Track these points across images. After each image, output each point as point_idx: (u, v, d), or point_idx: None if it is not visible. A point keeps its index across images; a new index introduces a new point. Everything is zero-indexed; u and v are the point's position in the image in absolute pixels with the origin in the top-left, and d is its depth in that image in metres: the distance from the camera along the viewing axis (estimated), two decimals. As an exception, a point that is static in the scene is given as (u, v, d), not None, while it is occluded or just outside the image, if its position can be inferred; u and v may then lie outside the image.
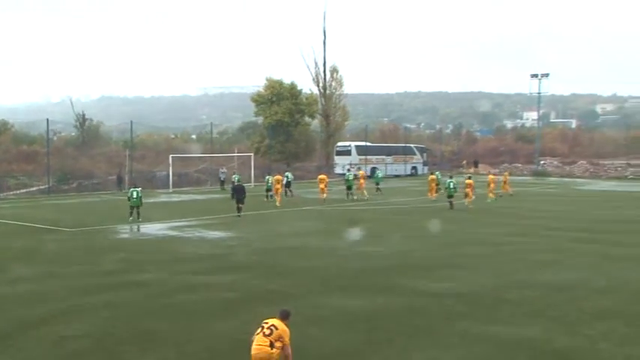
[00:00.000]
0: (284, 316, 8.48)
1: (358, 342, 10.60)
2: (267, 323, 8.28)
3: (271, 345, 8.04)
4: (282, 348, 8.14)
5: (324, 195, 37.31)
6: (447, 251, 19.65)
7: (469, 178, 34.84)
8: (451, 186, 32.87)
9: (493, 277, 15.69)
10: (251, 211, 30.65)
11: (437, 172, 41.05)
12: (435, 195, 36.96)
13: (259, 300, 13.30)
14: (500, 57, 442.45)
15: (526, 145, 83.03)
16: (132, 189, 28.52)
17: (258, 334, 8.17)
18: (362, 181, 39.69)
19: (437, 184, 37.86)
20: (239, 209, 29.58)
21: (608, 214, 30.44)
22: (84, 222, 27.36)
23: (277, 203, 34.48)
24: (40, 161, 48.82)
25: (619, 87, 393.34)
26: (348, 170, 45.30)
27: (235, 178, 39.74)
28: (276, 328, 8.17)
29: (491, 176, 39.01)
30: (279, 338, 8.11)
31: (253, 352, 8.07)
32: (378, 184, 43.00)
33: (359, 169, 47.43)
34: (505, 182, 41.40)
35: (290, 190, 39.95)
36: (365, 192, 38.86)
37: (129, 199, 27.94)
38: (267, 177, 38.92)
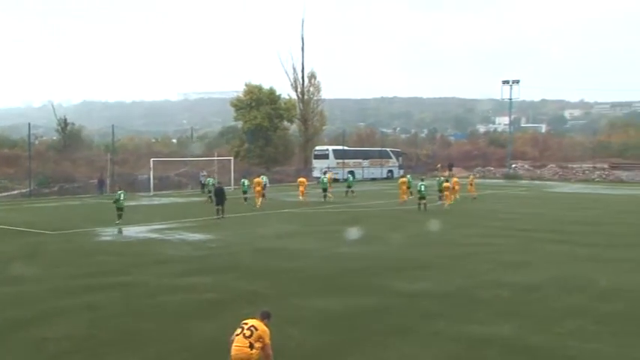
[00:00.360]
0: (264, 317, 8.41)
1: (336, 341, 10.64)
2: (246, 324, 8.20)
3: (251, 346, 7.99)
4: (263, 348, 8.08)
5: (303, 197, 37.91)
6: (422, 252, 19.76)
7: (446, 180, 35.17)
8: (422, 188, 33.20)
9: (466, 277, 15.81)
10: (231, 213, 30.55)
11: (408, 176, 41.55)
12: (406, 198, 37.13)
13: (239, 301, 13.28)
14: (473, 64, 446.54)
15: (498, 149, 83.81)
16: (119, 191, 28.50)
17: (238, 334, 8.09)
18: (301, 187, 39.99)
19: (408, 187, 38.06)
20: (218, 211, 29.60)
21: (576, 216, 30.85)
22: (65, 225, 27.07)
23: (257, 205, 34.74)
24: (21, 165, 48.18)
25: (586, 93, 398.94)
26: (324, 173, 45.68)
27: (209, 181, 39.57)
28: (256, 329, 8.11)
29: (455, 179, 39.25)
30: (259, 339, 8.06)
31: (233, 352, 8.00)
32: (349, 187, 43.44)
33: (325, 172, 47.79)
34: (471, 185, 41.64)
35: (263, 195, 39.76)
36: (330, 195, 39.24)
37: (116, 202, 27.74)
38: (243, 180, 39.27)
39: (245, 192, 37.57)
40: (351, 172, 63.77)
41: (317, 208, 35.13)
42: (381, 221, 28.82)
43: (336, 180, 52.84)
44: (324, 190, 39.48)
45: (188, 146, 63.59)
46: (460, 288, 14.55)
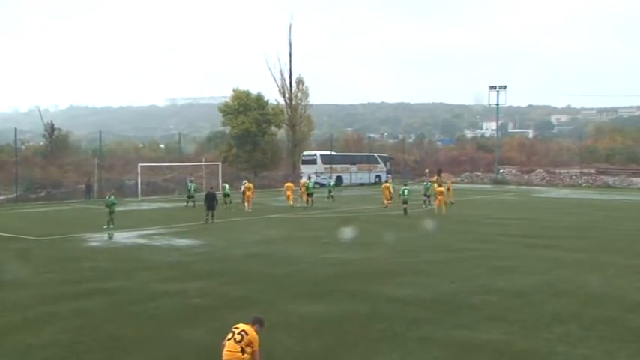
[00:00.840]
0: (255, 322, 8.36)
1: (324, 347, 10.62)
2: (237, 328, 8.21)
3: (242, 351, 8.00)
4: (252, 354, 8.08)
5: (291, 202, 38.41)
6: (409, 258, 19.79)
7: (439, 185, 35.27)
8: (405, 193, 33.70)
9: (453, 282, 15.82)
10: (219, 219, 30.46)
11: (390, 181, 42.09)
12: (388, 202, 37.28)
13: (227, 306, 13.23)
14: (460, 70, 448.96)
15: (486, 154, 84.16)
16: (111, 196, 28.84)
17: (229, 339, 8.10)
18: (302, 189, 40.20)
19: (390, 192, 38.24)
20: (207, 215, 29.71)
21: (564, 221, 31.02)
22: (52, 231, 26.86)
23: (248, 209, 35.42)
24: (8, 170, 47.78)
25: (573, 99, 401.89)
26: (309, 179, 46.04)
27: (191, 186, 39.62)
28: (247, 334, 8.10)
29: (449, 185, 39.47)
30: (249, 344, 8.06)
31: (224, 357, 8.02)
32: (330, 192, 43.96)
33: (309, 178, 48.08)
34: (448, 189, 41.40)
35: (230, 202, 39.41)
36: (292, 202, 39.32)
37: (109, 206, 27.83)
38: (224, 185, 40.63)
39: (227, 195, 38.56)
40: (339, 178, 64.10)
41: (305, 213, 35.11)
42: (370, 227, 28.85)
43: (322, 185, 53.51)
44: (310, 195, 39.99)
45: (177, 150, 63.28)
46: (449, 293, 14.57)
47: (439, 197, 34.00)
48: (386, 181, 44.40)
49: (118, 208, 33.73)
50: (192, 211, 35.48)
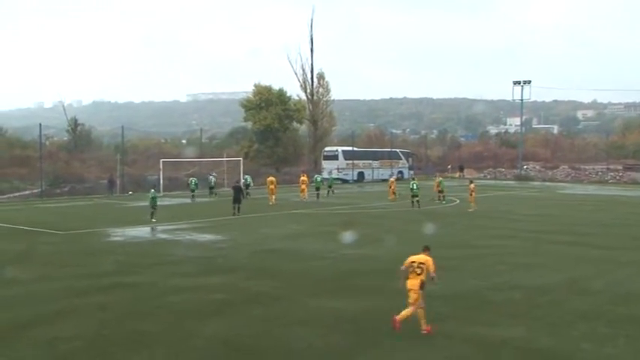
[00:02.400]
0: (425, 250, 11.37)
1: (345, 343, 10.63)
2: (414, 262, 11.01)
3: (422, 283, 10.77)
4: (427, 270, 10.84)
5: (305, 195, 39.64)
6: (433, 253, 19.49)
7: (471, 182, 35.11)
8: (414, 187, 35.06)
9: (477, 279, 15.77)
10: (240, 214, 30.65)
11: (393, 177, 43.80)
12: (394, 197, 39.11)
13: (248, 301, 13.31)
14: (484, 65, 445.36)
15: (509, 150, 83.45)
16: (152, 190, 30.43)
17: (411, 272, 10.87)
18: (303, 186, 40.63)
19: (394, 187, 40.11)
20: (235, 209, 30.73)
21: (590, 218, 30.65)
22: (77, 225, 27.23)
23: (271, 202, 36.69)
24: (32, 165, 48.46)
25: (599, 94, 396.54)
26: (319, 173, 47.63)
27: (211, 179, 42.49)
28: (423, 264, 10.92)
29: (473, 184, 39.05)
30: (427, 268, 10.86)
31: (409, 285, 10.90)
32: (330, 186, 44.52)
33: (321, 173, 49.37)
34: (437, 185, 41.10)
35: (248, 193, 40.85)
36: (306, 196, 40.12)
37: (152, 200, 28.98)
38: (246, 176, 42.68)
39: (212, 187, 42.09)
40: (361, 173, 64.02)
41: (326, 209, 35.14)
42: (391, 222, 28.78)
43: (344, 181, 54.11)
44: (317, 189, 41.51)
45: (186, 148, 63.80)
46: (471, 290, 14.50)
47: (473, 194, 33.79)
48: (390, 177, 45.93)
49: (139, 204, 34.34)
50: (214, 207, 35.74)
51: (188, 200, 41.31)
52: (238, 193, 31.63)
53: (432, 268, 10.89)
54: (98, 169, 53.66)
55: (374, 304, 13.13)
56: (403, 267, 11.08)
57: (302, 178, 41.24)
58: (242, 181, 41.87)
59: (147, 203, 29.94)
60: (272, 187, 37.94)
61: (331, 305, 13.05)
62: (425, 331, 10.84)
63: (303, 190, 39.82)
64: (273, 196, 37.55)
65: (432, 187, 41.02)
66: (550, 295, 13.94)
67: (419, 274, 10.81)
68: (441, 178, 41.55)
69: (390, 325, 10.94)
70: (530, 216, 31.37)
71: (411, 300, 10.89)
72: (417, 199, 34.52)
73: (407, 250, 20.19)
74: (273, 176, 41.15)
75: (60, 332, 11.16)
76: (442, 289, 14.50)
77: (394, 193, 39.55)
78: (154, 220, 28.01)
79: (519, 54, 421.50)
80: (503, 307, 12.93)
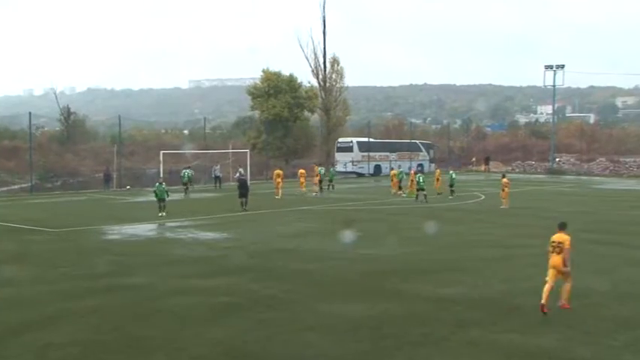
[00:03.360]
0: (561, 229, 12.91)
1: (361, 351, 10.60)
2: (554, 242, 12.66)
3: (564, 261, 12.49)
4: (564, 250, 12.44)
5: (303, 189, 40.88)
6: (455, 254, 19.66)
7: (504, 176, 34.70)
8: (420, 179, 36.12)
9: (504, 282, 15.69)
10: (246, 211, 30.73)
11: (401, 169, 44.51)
12: (396, 190, 40.38)
13: (255, 305, 13.31)
14: (511, 47, 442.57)
15: (540, 141, 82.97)
16: (162, 183, 30.60)
17: (552, 252, 12.67)
18: (302, 179, 42.16)
19: (400, 180, 40.96)
20: (242, 204, 31.35)
21: (630, 215, 30.44)
22: (70, 222, 27.40)
23: (277, 196, 37.75)
24: (22, 157, 48.83)
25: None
26: (333, 166, 48.74)
27: (186, 173, 42.74)
28: (562, 242, 12.47)
29: (505, 179, 38.81)
30: (565, 246, 12.43)
31: (551, 263, 12.75)
32: (331, 180, 45.03)
33: (333, 165, 50.31)
34: (437, 180, 41.15)
35: (189, 187, 42.16)
36: (311, 189, 41.65)
37: (158, 194, 29.56)
38: (185, 171, 42.81)
39: (188, 182, 42.11)
40: (378, 166, 63.95)
41: (339, 205, 35.15)
42: (409, 219, 28.74)
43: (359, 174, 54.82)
44: (330, 180, 43.39)
45: (188, 140, 64.06)
46: (498, 293, 14.43)
47: (505, 189, 33.31)
48: (392, 169, 47.02)
49: (138, 199, 34.66)
50: (217, 202, 35.90)
51: (191, 195, 41.43)
52: (244, 188, 32.04)
53: (567, 247, 12.54)
54: (93, 161, 54.01)
55: (390, 309, 13.10)
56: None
57: (300, 170, 43.36)
58: (187, 173, 42.84)
59: (148, 198, 30.15)
60: (279, 180, 38.90)
61: (345, 310, 13.03)
62: (563, 307, 12.73)
63: (302, 184, 41.45)
64: (280, 190, 38.40)
65: (433, 182, 40.93)
66: (586, 300, 13.83)
67: (558, 253, 12.52)
68: (452, 172, 41.89)
69: (410, 331, 10.90)
70: (563, 213, 31.00)
71: (551, 277, 12.72)
72: (423, 192, 35.65)
73: (427, 250, 20.38)
74: (281, 169, 41.91)
75: (52, 338, 11.22)
76: (468, 292, 14.49)
77: (400, 187, 40.47)
78: (160, 215, 28.76)
79: (551, 35, 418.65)
80: (535, 313, 12.82)
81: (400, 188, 40.42)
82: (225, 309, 13.14)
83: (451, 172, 41.98)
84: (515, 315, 12.70)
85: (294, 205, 34.69)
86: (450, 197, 37.48)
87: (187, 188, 41.53)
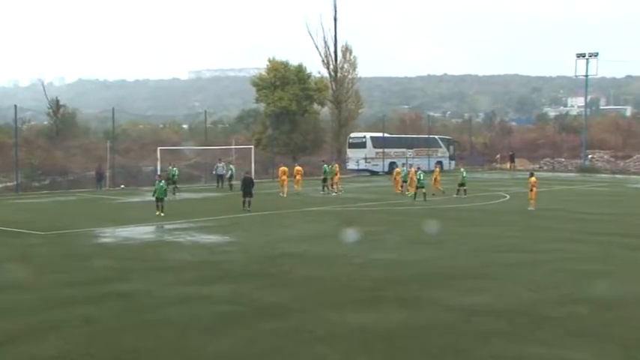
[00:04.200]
0: None
1: (375, 364, 10.58)
2: None
3: None
4: None
5: (299, 188, 41.63)
6: (477, 259, 19.60)
7: (532, 175, 34.42)
8: (421, 177, 36.69)
9: (531, 290, 15.62)
10: (251, 212, 30.81)
11: (404, 167, 44.50)
12: (401, 189, 41.11)
13: (260, 315, 13.32)
14: (539, 34, 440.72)
15: (571, 136, 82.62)
16: (161, 181, 31.47)
17: None
18: (284, 177, 41.64)
19: (404, 181, 41.21)
20: (245, 203, 31.76)
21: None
22: (59, 224, 27.49)
23: (283, 194, 38.99)
24: (6, 154, 48.95)
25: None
26: (323, 161, 48.14)
27: (173, 171, 43.09)
28: None
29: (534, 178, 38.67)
30: None
31: None
32: (325, 180, 44.39)
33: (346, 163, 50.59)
34: (435, 179, 41.01)
35: (176, 188, 42.05)
36: (339, 187, 42.64)
37: (157, 191, 30.15)
38: (171, 167, 43.33)
39: (175, 182, 42.08)
40: (393, 164, 63.86)
41: (351, 205, 35.15)
42: (427, 222, 28.64)
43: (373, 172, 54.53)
44: (325, 180, 42.67)
45: (203, 131, 64.06)
46: (524, 303, 14.38)
47: (534, 189, 33.09)
48: (396, 166, 47.36)
49: (133, 199, 34.81)
50: (219, 202, 35.97)
51: (191, 195, 41.51)
52: (249, 186, 32.38)
53: None
54: (84, 158, 54.12)
55: (407, 318, 13.09)
56: None
57: (296, 168, 43.49)
58: (168, 170, 42.98)
59: (144, 198, 30.30)
60: (284, 177, 40.01)
61: (357, 319, 13.02)
62: None
63: (298, 182, 42.08)
64: (285, 188, 39.38)
65: (433, 179, 40.65)
66: (623, 311, 13.75)
67: None
68: (462, 169, 42.53)
69: (428, 343, 10.87)
70: (597, 215, 31.04)
71: None
72: (423, 190, 36.35)
73: (448, 255, 20.34)
74: (286, 166, 42.57)
75: (39, 350, 11.25)
76: (491, 301, 14.44)
77: (402, 186, 41.07)
78: (157, 214, 29.36)
79: (584, 20, 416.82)
80: (565, 324, 12.78)
81: (402, 187, 41.10)
82: (228, 318, 13.14)
83: (462, 169, 42.42)
84: (543, 326, 12.63)
85: (302, 205, 34.70)
86: (455, 196, 37.86)
87: (175, 188, 41.57)
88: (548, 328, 12.52)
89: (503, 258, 19.78)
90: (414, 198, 36.64)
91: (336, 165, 45.24)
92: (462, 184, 38.64)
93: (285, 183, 39.81)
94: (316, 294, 15.26)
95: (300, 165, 45.61)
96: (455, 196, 38.00)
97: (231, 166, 47.47)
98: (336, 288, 15.91)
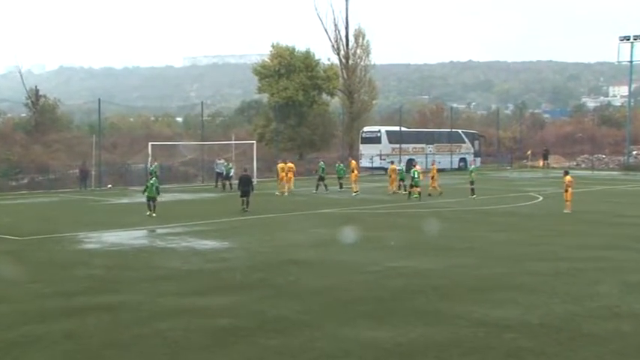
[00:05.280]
0: None
1: (393, 385, 10.54)
2: None
3: None
4: None
5: (287, 185, 42.62)
6: (507, 268, 19.54)
7: (566, 173, 34.14)
8: (416, 175, 37.96)
9: (569, 302, 15.55)
10: (252, 215, 30.86)
11: (401, 164, 46.80)
12: (395, 188, 42.35)
13: (263, 329, 13.29)
14: (577, 16, 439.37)
15: (613, 130, 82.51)
16: (150, 178, 32.64)
17: None
18: (282, 174, 43.23)
19: (402, 179, 42.20)
20: (243, 203, 32.31)
21: None
22: (39, 228, 27.56)
23: (285, 191, 41.41)
24: (-20, 150, 49.15)
25: None
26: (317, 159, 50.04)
27: (155, 166, 43.30)
28: None
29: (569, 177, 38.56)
30: None
31: None
32: (323, 179, 45.10)
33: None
34: (432, 178, 41.59)
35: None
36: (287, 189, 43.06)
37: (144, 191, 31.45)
38: (155, 163, 44.37)
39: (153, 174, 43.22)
40: (411, 161, 63.84)
41: (363, 207, 35.15)
42: (450, 226, 28.64)
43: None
44: (322, 179, 43.77)
45: (200, 125, 64.31)
46: (560, 317, 14.30)
47: (569, 189, 32.91)
48: (392, 162, 47.95)
49: (122, 201, 34.88)
50: (218, 204, 35.97)
51: (185, 196, 41.61)
52: (247, 185, 32.80)
53: None
54: (67, 155, 54.25)
55: (427, 334, 13.04)
56: None
57: (288, 164, 44.50)
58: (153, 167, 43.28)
59: (134, 199, 30.38)
60: (283, 175, 42.06)
61: (372, 335, 12.98)
62: None
63: (288, 180, 43.15)
64: (286, 186, 41.80)
65: (430, 178, 41.24)
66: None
67: None
68: (473, 167, 43.49)
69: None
70: (640, 218, 30.94)
71: None
72: (418, 189, 37.87)
73: (474, 263, 20.25)
74: (286, 162, 44.12)
75: (16, 368, 11.24)
76: (523, 315, 14.37)
77: (399, 186, 41.93)
78: (148, 214, 30.21)
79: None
80: (607, 341, 12.70)
81: (400, 187, 41.92)
82: (227, 334, 13.11)
83: (472, 167, 43.22)
84: (582, 343, 12.56)
85: (309, 207, 34.71)
86: (472, 197, 38.24)
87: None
88: (589, 346, 12.44)
89: (536, 267, 19.69)
90: (409, 197, 38.20)
91: (353, 162, 45.65)
92: (472, 182, 39.27)
93: (285, 180, 41.97)
94: (325, 307, 15.23)
95: (291, 162, 46.51)
96: (473, 197, 38.18)
97: (230, 164, 47.74)
98: (348, 300, 15.87)
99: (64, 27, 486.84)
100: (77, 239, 25.29)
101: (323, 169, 44.23)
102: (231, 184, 43.96)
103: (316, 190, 42.86)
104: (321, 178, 43.44)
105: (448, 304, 15.34)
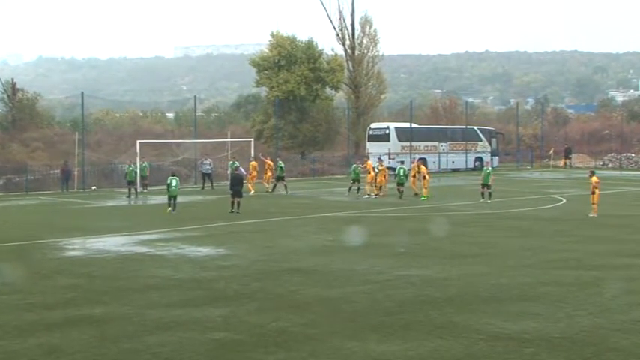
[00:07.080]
0: None
1: (403, 404, 10.56)
2: None
3: None
4: None
5: (268, 184, 45.16)
6: (527, 277, 19.52)
7: (592, 174, 33.93)
8: (401, 173, 40.33)
9: (594, 314, 15.56)
10: (249, 219, 30.80)
11: (385, 163, 46.54)
12: (375, 190, 42.51)
13: (262, 343, 13.31)
14: (602, 2, 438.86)
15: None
16: (170, 177, 34.43)
17: None
18: (254, 173, 45.13)
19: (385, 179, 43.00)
20: (233, 205, 32.75)
21: None
22: (16, 234, 27.64)
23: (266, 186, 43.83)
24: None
25: None
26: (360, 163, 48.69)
27: (131, 167, 44.18)
28: None
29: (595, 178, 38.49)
30: None
31: None
32: (281, 178, 45.83)
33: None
34: (416, 176, 42.59)
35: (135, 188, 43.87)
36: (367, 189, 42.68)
37: (168, 189, 33.60)
38: (144, 163, 46.15)
39: (144, 177, 45.11)
40: (422, 160, 63.85)
41: (371, 211, 35.13)
42: (466, 231, 28.64)
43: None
44: (281, 178, 44.95)
45: (193, 121, 64.46)
46: (585, 330, 14.31)
47: (596, 191, 32.74)
48: (380, 161, 47.67)
49: (107, 204, 34.97)
50: (211, 207, 36.01)
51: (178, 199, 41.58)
52: (238, 185, 33.46)
53: None
54: (47, 154, 54.40)
55: (443, 348, 13.06)
56: None
57: (267, 161, 46.74)
58: (131, 168, 44.35)
59: (120, 202, 30.26)
60: (255, 173, 44.47)
61: (380, 349, 13.01)
62: None
63: (268, 179, 45.72)
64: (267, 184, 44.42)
65: (422, 179, 41.49)
66: None
67: None
68: (488, 168, 42.42)
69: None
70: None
71: None
72: (401, 188, 40.04)
73: (491, 272, 20.26)
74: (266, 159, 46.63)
75: (-7, 385, 11.28)
76: (544, 328, 14.39)
77: (380, 188, 42.26)
78: (169, 211, 33.01)
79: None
80: (635, 357, 12.72)
81: (380, 188, 42.05)
82: (223, 348, 13.15)
83: (487, 169, 41.62)
84: (609, 358, 12.58)
85: (312, 211, 34.72)
86: (484, 201, 37.91)
87: (133, 189, 42.76)
88: (615, 361, 12.47)
89: (559, 276, 19.69)
90: (400, 196, 39.81)
91: (368, 162, 44.95)
92: (485, 185, 38.56)
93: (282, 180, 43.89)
94: (329, 318, 15.25)
95: (271, 159, 47.84)
96: (486, 201, 37.92)
97: (235, 162, 47.60)
98: (354, 311, 15.90)
99: (43, 13, 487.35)
100: (59, 246, 25.31)
101: (282, 168, 44.99)
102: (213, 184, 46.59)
103: (272, 190, 44.27)
104: (280, 178, 44.37)
105: (462, 316, 15.34)
